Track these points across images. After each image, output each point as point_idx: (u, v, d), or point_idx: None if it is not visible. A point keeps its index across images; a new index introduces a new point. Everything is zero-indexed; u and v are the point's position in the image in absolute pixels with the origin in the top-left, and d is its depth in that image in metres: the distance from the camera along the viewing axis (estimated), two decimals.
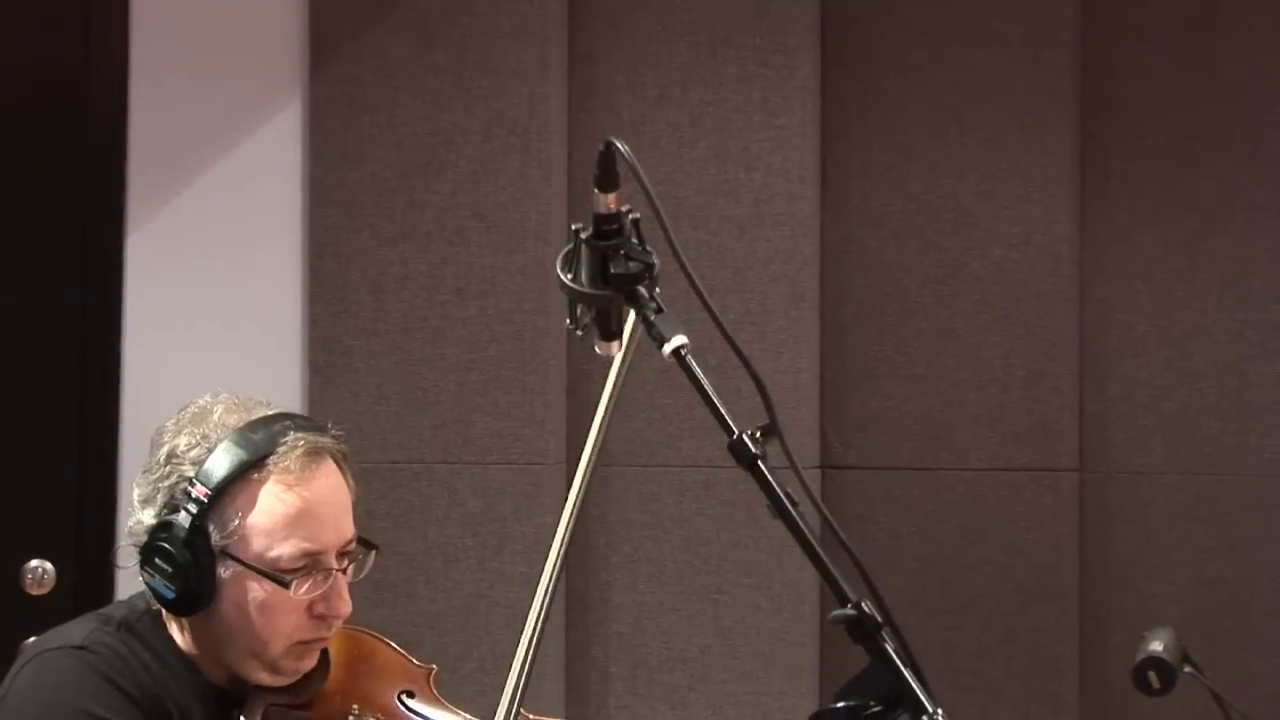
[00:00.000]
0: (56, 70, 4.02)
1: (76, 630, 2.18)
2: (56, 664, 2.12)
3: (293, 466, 2.13)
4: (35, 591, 3.92)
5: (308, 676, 2.20)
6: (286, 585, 2.12)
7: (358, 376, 3.99)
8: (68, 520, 3.97)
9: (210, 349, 3.96)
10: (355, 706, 2.20)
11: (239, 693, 2.18)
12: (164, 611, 2.19)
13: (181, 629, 2.20)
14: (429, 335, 3.99)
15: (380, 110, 4.00)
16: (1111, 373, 4.14)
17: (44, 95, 4.02)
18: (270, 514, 2.13)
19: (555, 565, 2.10)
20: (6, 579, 3.92)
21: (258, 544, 2.13)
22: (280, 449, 2.14)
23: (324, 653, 2.22)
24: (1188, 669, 2.50)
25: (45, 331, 4.00)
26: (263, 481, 2.13)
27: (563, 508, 2.13)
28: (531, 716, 2.24)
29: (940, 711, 1.71)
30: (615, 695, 4.04)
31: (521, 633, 2.11)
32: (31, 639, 3.52)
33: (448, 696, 2.27)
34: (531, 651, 2.08)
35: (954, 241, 4.13)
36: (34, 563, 3.93)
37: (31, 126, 4.01)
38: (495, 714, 2.09)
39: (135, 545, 2.16)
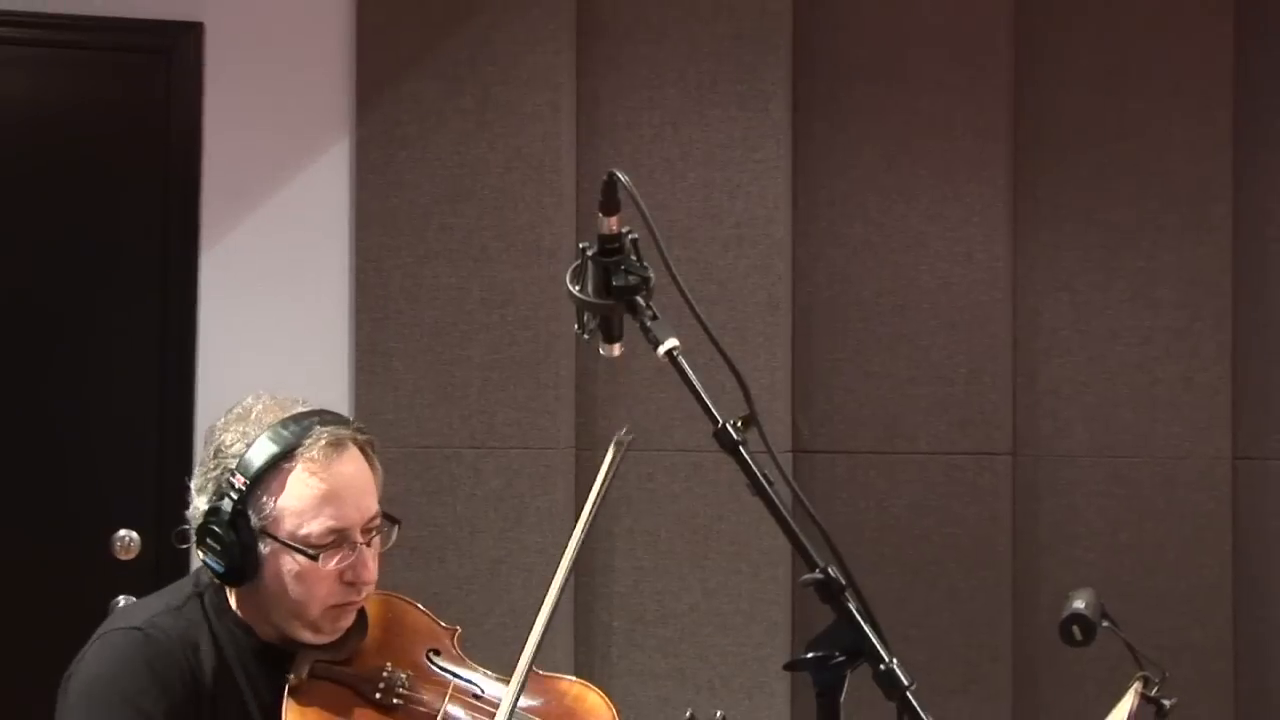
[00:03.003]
0: (141, 115, 4.00)
1: (143, 610, 2.17)
2: (114, 643, 2.12)
3: (318, 455, 2.11)
4: (123, 557, 3.90)
5: (347, 636, 2.18)
6: (315, 558, 2.10)
7: (397, 374, 3.98)
8: (151, 496, 3.95)
9: (271, 351, 3.94)
10: (389, 663, 2.17)
11: (290, 650, 2.17)
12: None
13: (236, 597, 2.18)
14: (458, 339, 3.98)
15: (416, 147, 3.99)
16: (1040, 370, 4.13)
17: (131, 137, 4.00)
18: (299, 497, 2.11)
19: (568, 567, 2.07)
20: (98, 546, 3.90)
21: (290, 523, 2.11)
22: (307, 441, 2.11)
23: (362, 615, 2.20)
24: (1106, 624, 2.48)
25: (132, 337, 3.99)
26: (292, 470, 2.11)
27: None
28: (544, 674, 2.22)
29: (895, 660, 1.70)
30: (616, 646, 4.03)
31: (538, 597, 2.09)
32: (121, 598, 3.52)
33: (469, 654, 2.25)
34: (545, 627, 2.07)
35: (906, 258, 4.13)
36: (122, 532, 3.91)
37: (120, 163, 4.00)
38: (513, 673, 2.07)
39: (193, 528, 2.16)
